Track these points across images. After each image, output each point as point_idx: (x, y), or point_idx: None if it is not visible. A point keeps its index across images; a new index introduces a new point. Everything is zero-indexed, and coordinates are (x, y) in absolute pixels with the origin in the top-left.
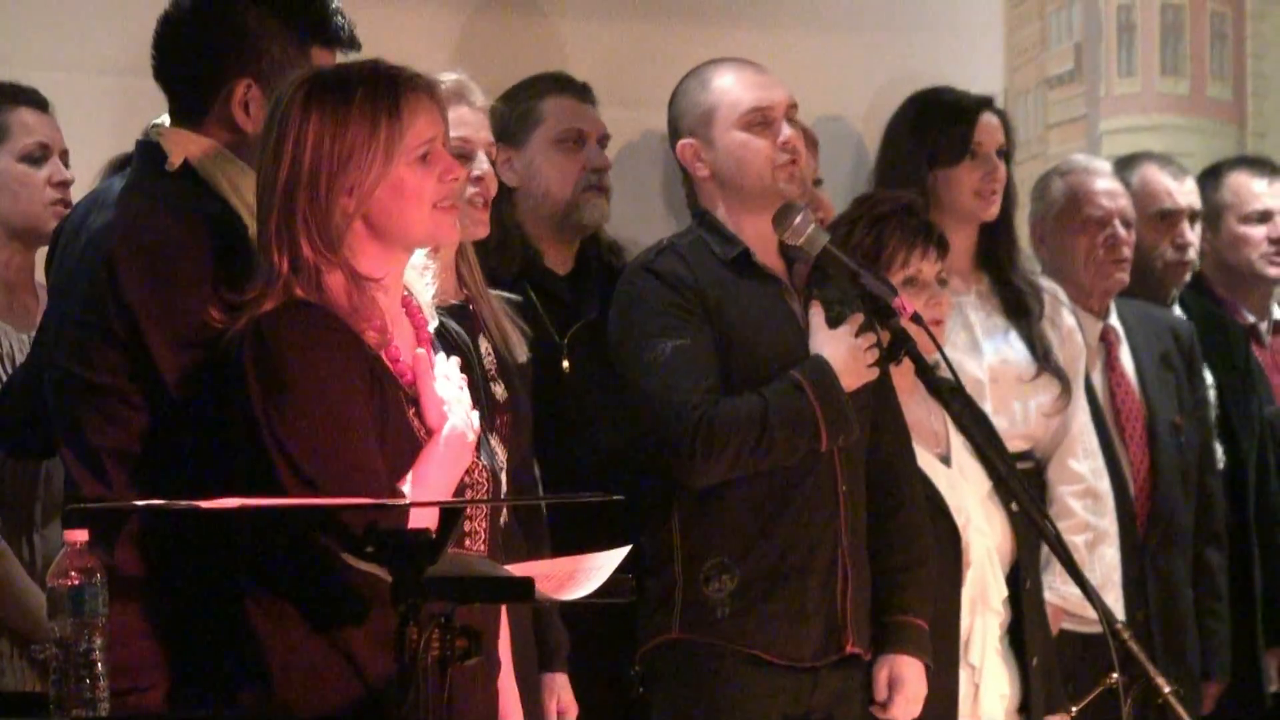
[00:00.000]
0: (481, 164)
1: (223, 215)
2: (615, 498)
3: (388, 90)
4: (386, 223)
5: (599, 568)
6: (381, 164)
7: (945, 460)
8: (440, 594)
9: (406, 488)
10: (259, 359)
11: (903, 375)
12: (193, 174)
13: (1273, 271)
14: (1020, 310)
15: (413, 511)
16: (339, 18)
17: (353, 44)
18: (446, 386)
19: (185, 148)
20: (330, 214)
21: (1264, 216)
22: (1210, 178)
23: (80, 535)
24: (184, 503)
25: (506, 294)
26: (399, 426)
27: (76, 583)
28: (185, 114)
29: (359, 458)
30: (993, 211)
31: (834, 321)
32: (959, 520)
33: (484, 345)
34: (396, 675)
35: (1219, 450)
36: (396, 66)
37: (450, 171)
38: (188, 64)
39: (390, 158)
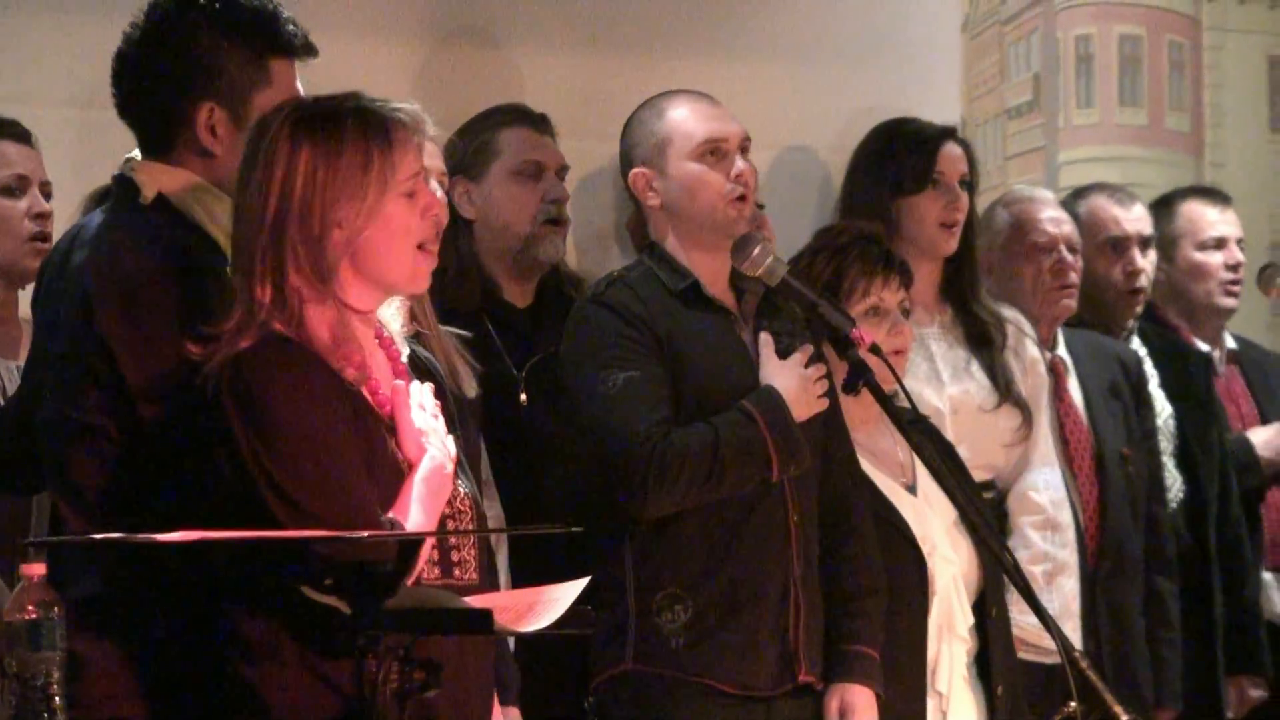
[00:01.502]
0: (436, 192)
1: (200, 245)
2: (575, 529)
3: (378, 123)
4: (372, 258)
5: (558, 599)
6: (375, 197)
7: (911, 489)
8: (399, 626)
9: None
10: (241, 396)
11: (868, 406)
12: (168, 206)
13: (1228, 303)
14: (982, 341)
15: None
16: (291, 26)
17: (309, 51)
18: (422, 416)
19: (158, 180)
20: (324, 246)
21: (1220, 243)
22: (1163, 207)
23: (37, 569)
24: (142, 536)
25: (456, 330)
26: (383, 459)
27: (34, 617)
28: (154, 146)
29: (351, 489)
30: (952, 245)
31: (784, 352)
32: (925, 549)
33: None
34: (356, 708)
35: (1179, 479)
36: (379, 100)
37: (432, 207)
38: (147, 96)
39: (383, 191)
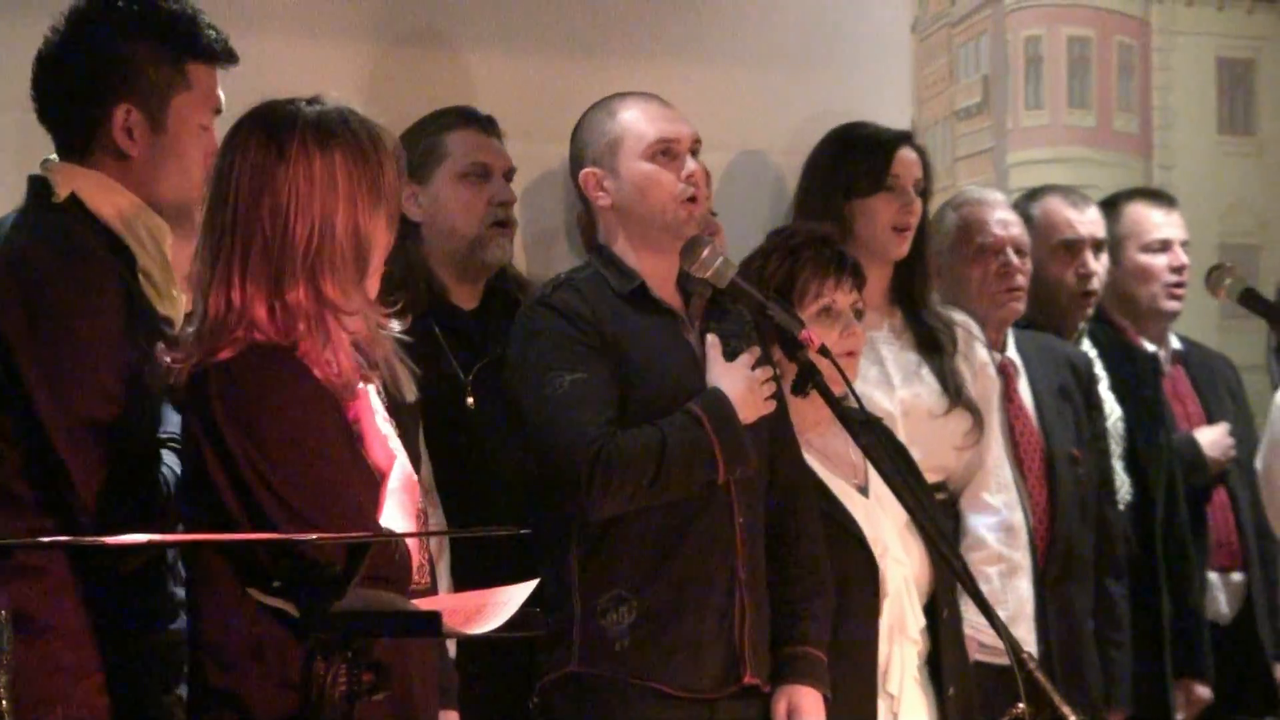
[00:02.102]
0: None
1: (110, 247)
2: (522, 531)
3: (371, 138)
4: (350, 272)
5: (506, 602)
6: (370, 211)
7: (863, 491)
8: (347, 629)
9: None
10: (235, 404)
11: (820, 407)
12: (81, 207)
13: (1172, 305)
14: (933, 346)
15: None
16: (211, 31)
17: (229, 57)
18: (382, 422)
19: (72, 181)
20: (334, 257)
21: (1164, 245)
22: (1108, 209)
23: None
24: (90, 539)
25: (397, 334)
26: (364, 466)
27: None
28: (71, 148)
29: (351, 497)
30: (904, 249)
31: (731, 355)
32: (876, 550)
33: (366, 378)
34: (302, 710)
35: (1127, 481)
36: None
37: (394, 220)
38: (65, 98)
39: (377, 205)
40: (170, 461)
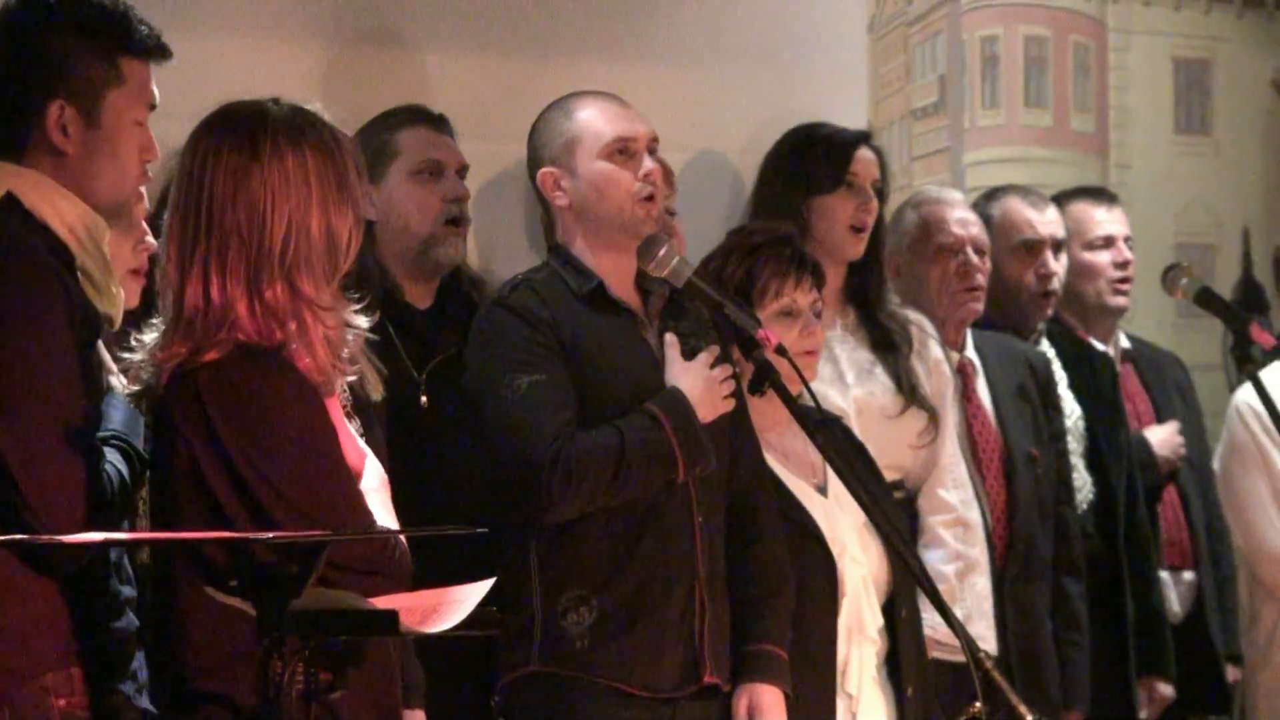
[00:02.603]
0: None
1: (49, 246)
2: (480, 530)
3: (334, 137)
4: (323, 270)
5: (463, 600)
6: (341, 207)
7: (822, 490)
8: (304, 628)
9: None
10: (228, 404)
11: (779, 407)
12: (17, 205)
13: (1118, 301)
14: (887, 345)
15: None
16: (144, 27)
17: (163, 53)
18: (348, 421)
19: (7, 181)
20: (310, 256)
21: (1108, 242)
22: None
23: None
24: (45, 537)
25: (364, 333)
26: (348, 463)
27: None
28: (6, 147)
29: (351, 495)
30: (859, 249)
31: (690, 354)
32: (834, 550)
33: (344, 373)
34: (260, 709)
35: (1089, 481)
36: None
37: (360, 222)
38: None
39: (345, 202)
40: (114, 459)
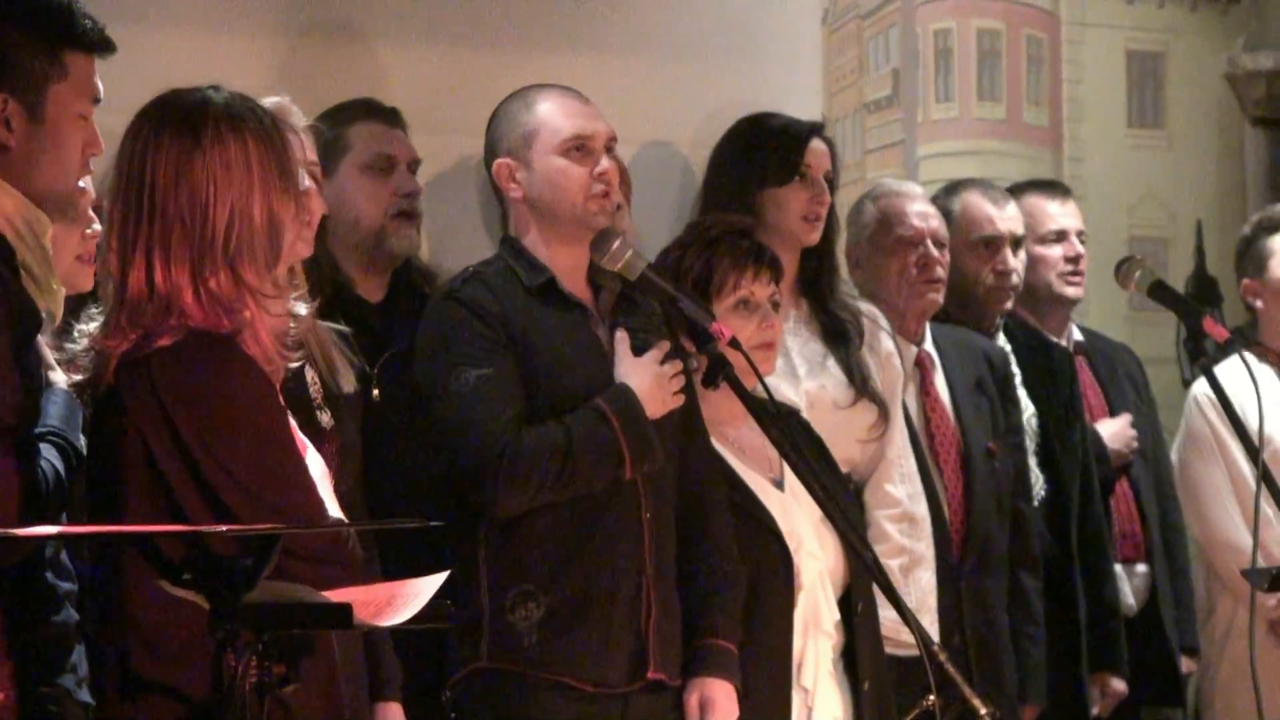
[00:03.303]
0: (304, 183)
1: None
2: (433, 524)
3: (274, 124)
4: (266, 256)
5: (417, 594)
6: (282, 195)
7: (778, 485)
8: (258, 621)
9: None
10: (183, 392)
11: (735, 401)
12: None
13: (1071, 291)
14: (839, 337)
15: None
16: (87, 20)
17: (106, 46)
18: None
19: None
20: (252, 242)
21: (1060, 236)
22: None
23: None
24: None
25: (335, 325)
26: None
27: None
28: None
29: (306, 483)
30: (815, 236)
31: (640, 349)
32: (791, 544)
33: (309, 374)
34: (213, 701)
35: (1041, 476)
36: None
37: (308, 209)
38: None
39: (287, 188)
40: (49, 455)
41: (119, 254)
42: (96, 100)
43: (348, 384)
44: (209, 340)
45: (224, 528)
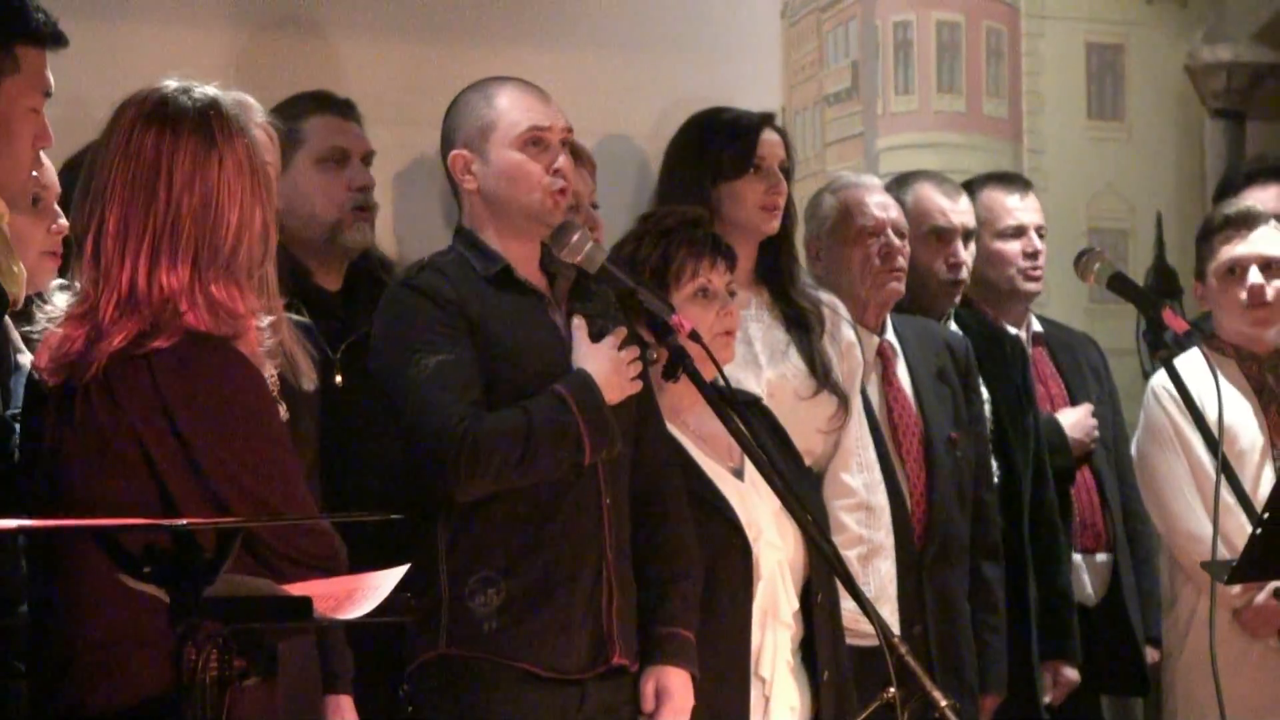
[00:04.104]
0: None
1: None
2: (394, 516)
3: (242, 127)
4: (259, 261)
5: (377, 586)
6: (271, 203)
7: (738, 474)
8: (218, 614)
9: None
10: (186, 391)
11: (696, 389)
12: None
13: (1030, 286)
14: (800, 326)
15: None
16: (40, 14)
17: (58, 40)
18: None
19: None
20: (252, 247)
21: (1018, 231)
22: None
23: None
24: None
25: (298, 318)
26: None
27: None
28: None
29: (298, 479)
30: (774, 225)
31: (597, 335)
32: (750, 534)
33: (268, 368)
34: (174, 695)
35: (995, 463)
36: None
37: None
38: None
39: (273, 197)
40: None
41: (119, 242)
42: (47, 94)
43: (308, 381)
44: (208, 342)
45: (184, 521)
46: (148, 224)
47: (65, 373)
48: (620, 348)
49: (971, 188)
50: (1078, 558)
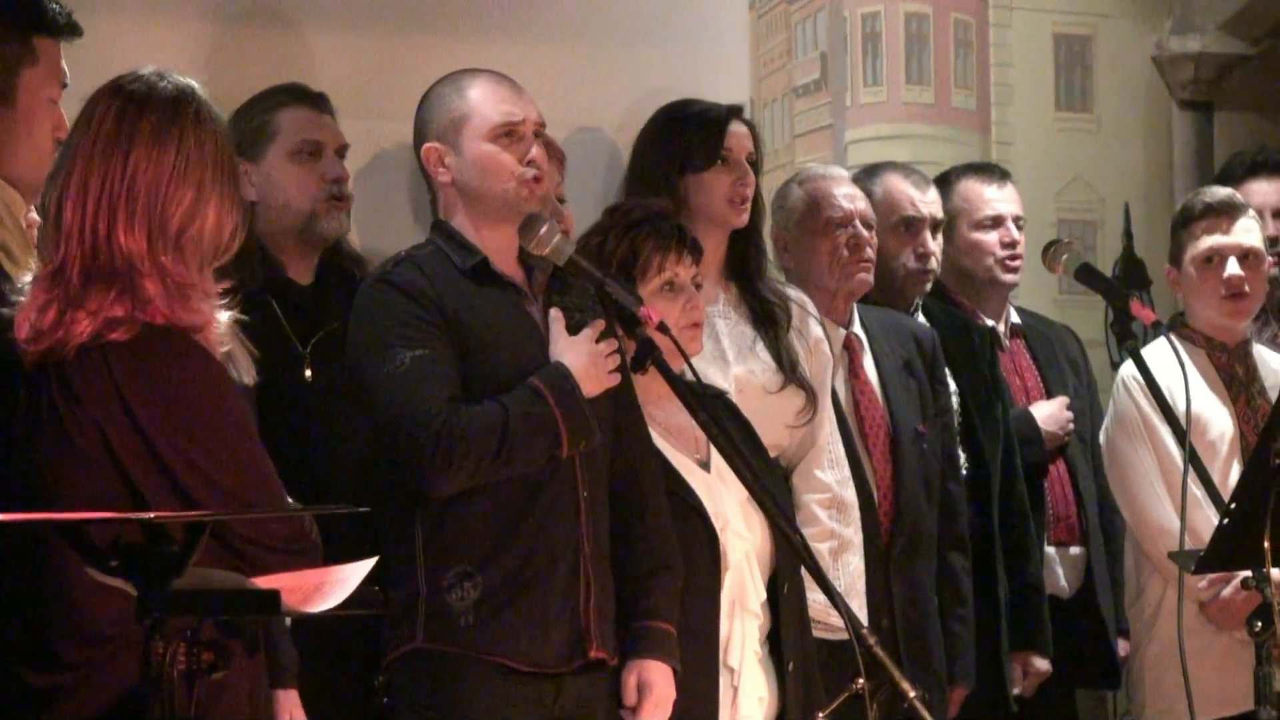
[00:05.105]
0: None
1: None
2: (361, 509)
3: (214, 119)
4: (211, 255)
5: (347, 579)
6: (230, 199)
7: (705, 465)
8: (186, 608)
9: None
10: (147, 385)
11: (663, 381)
12: None
13: (1008, 278)
14: (768, 320)
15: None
16: (55, 5)
17: (74, 31)
18: None
19: None
20: (201, 242)
21: (996, 221)
22: (941, 186)
23: None
24: None
25: (237, 314)
26: None
27: None
28: None
29: (263, 467)
30: (743, 218)
31: (575, 328)
32: (717, 524)
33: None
34: (142, 688)
35: (962, 456)
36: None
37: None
38: None
39: (236, 195)
40: None
41: (78, 204)
42: (64, 85)
43: (248, 376)
44: (166, 334)
45: (150, 515)
46: (104, 185)
47: (44, 342)
48: (598, 340)
49: (949, 178)
50: (1051, 551)
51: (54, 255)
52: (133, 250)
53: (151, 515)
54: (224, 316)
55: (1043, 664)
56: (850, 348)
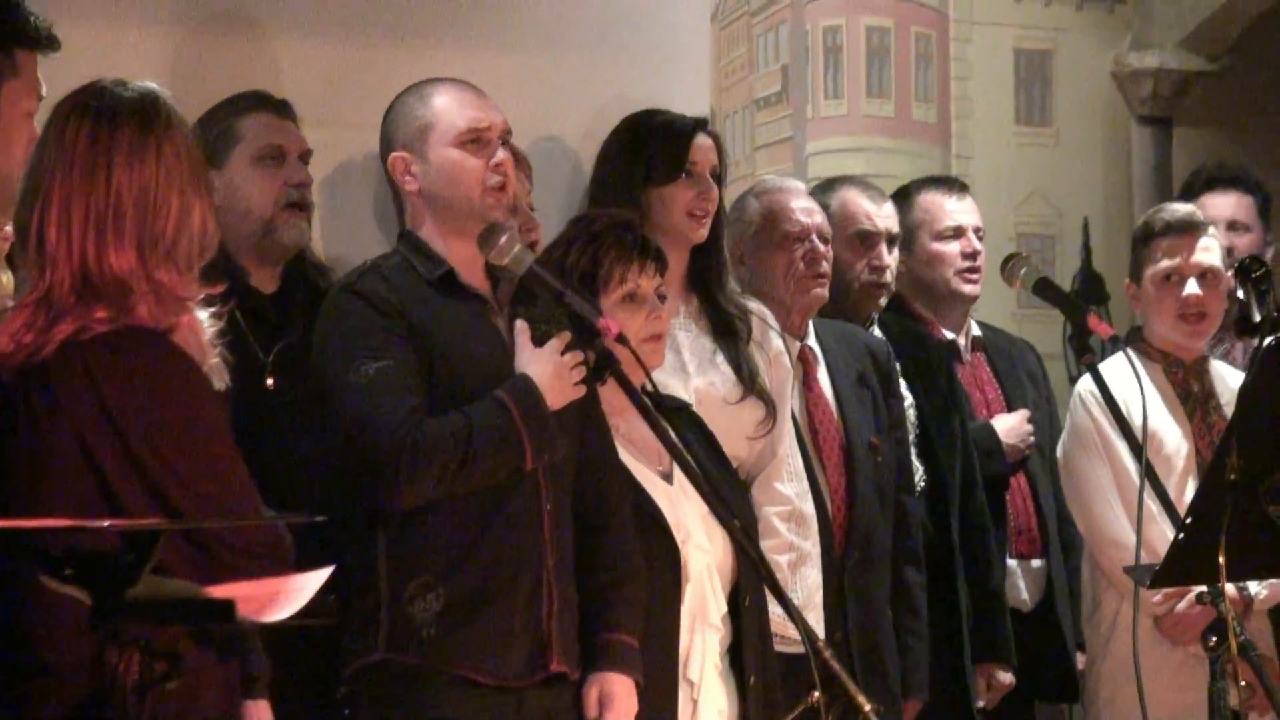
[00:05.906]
0: None
1: None
2: (317, 519)
3: (180, 119)
4: (195, 258)
5: (302, 588)
6: (206, 197)
7: (667, 478)
8: (140, 616)
9: None
10: (123, 387)
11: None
12: None
13: (969, 289)
14: (728, 333)
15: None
16: (35, 19)
17: (52, 43)
18: None
19: None
20: (189, 247)
21: (957, 232)
22: (901, 198)
23: None
24: None
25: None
26: None
27: None
28: None
29: (238, 471)
30: (702, 234)
31: (541, 340)
32: (679, 537)
33: (210, 355)
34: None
35: (920, 469)
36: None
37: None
38: None
39: (210, 190)
40: None
41: (62, 229)
42: (40, 98)
43: (219, 380)
44: (145, 334)
45: (106, 523)
46: (89, 208)
47: (24, 353)
48: (564, 352)
49: (909, 191)
50: (1013, 564)
51: (39, 281)
52: (123, 269)
53: (107, 523)
54: (203, 315)
55: (1006, 676)
56: (805, 360)
